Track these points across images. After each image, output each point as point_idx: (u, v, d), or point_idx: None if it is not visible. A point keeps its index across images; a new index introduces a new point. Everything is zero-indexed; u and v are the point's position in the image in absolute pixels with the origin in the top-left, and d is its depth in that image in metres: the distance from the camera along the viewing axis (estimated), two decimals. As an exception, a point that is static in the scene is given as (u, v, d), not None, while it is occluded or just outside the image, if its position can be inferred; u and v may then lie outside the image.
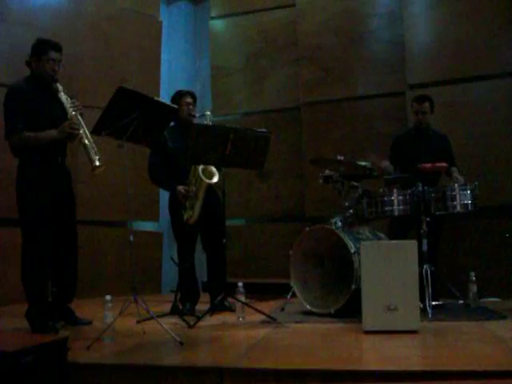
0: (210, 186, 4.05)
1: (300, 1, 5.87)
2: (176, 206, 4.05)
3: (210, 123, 3.92)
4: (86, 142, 3.38)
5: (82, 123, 3.43)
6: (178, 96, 4.22)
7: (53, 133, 3.38)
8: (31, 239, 3.42)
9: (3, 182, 4.68)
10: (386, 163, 4.35)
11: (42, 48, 3.43)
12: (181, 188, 3.96)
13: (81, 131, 3.40)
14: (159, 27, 6.15)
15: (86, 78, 5.35)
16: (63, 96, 3.47)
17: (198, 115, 4.06)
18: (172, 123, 3.96)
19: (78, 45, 5.30)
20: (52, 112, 3.46)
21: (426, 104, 4.34)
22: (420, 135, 4.40)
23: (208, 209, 4.00)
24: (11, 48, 4.94)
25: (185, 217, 3.96)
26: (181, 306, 4.04)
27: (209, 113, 4.01)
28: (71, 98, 3.51)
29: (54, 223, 3.51)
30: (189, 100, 4.20)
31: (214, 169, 3.88)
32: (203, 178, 3.85)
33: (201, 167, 3.87)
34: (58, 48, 3.48)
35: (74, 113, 3.42)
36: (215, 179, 3.88)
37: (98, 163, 3.37)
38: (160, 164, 4.12)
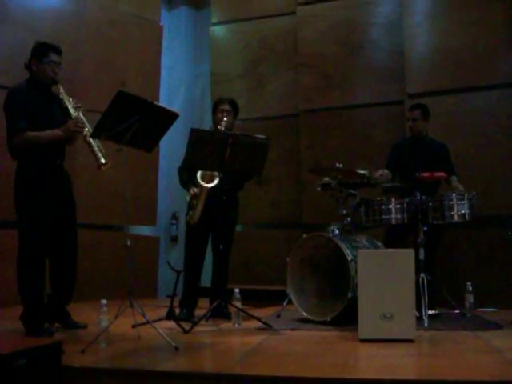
0: (236, 196, 4.21)
1: (301, 9, 5.89)
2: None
3: (224, 129, 3.93)
4: (91, 140, 3.40)
5: (86, 122, 3.46)
6: (216, 102, 4.30)
7: (57, 132, 3.40)
8: (28, 241, 3.41)
9: (2, 184, 4.67)
10: (379, 172, 4.30)
11: (43, 50, 3.44)
12: (191, 190, 4.02)
13: (85, 130, 3.43)
14: (160, 32, 6.16)
15: (86, 82, 5.35)
16: (65, 97, 3.50)
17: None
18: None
19: (79, 48, 5.30)
20: (52, 113, 3.48)
21: (417, 111, 4.36)
22: (417, 143, 4.42)
23: (222, 215, 3.99)
24: (11, 50, 4.93)
25: (187, 217, 4.01)
26: (178, 310, 4.05)
27: (226, 119, 4.03)
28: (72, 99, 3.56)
29: (54, 226, 3.51)
30: (225, 107, 4.20)
31: (215, 173, 3.89)
32: (200, 181, 3.90)
33: (200, 171, 3.91)
34: (58, 51, 3.50)
35: (77, 112, 3.47)
36: (213, 184, 3.89)
37: (103, 161, 3.40)
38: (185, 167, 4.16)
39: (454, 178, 4.25)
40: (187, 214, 4.06)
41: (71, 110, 3.48)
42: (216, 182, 3.89)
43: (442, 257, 4.46)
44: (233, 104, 4.26)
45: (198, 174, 3.90)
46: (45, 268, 3.52)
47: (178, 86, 6.60)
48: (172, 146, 5.79)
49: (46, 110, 3.46)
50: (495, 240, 4.77)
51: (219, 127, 3.97)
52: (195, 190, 3.97)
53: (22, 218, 3.42)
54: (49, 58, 3.43)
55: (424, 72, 5.27)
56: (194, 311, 4.15)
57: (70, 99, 3.52)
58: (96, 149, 3.41)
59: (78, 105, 3.52)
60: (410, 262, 3.19)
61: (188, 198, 4.05)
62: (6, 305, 4.44)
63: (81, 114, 3.46)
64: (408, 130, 4.52)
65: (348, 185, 4.15)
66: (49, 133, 3.39)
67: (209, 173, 3.90)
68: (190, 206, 4.02)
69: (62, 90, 3.51)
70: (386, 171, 4.37)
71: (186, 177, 4.17)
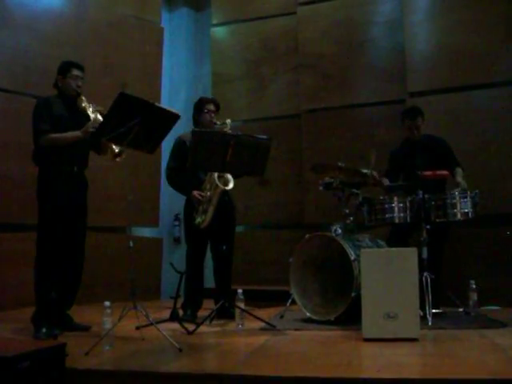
0: (229, 195, 4.19)
1: (301, 8, 5.90)
2: (190, 211, 4.09)
3: (230, 131, 3.92)
4: None
5: None
6: (201, 102, 4.28)
7: (77, 133, 3.55)
8: (46, 242, 3.50)
9: (3, 188, 4.69)
10: (375, 174, 4.22)
11: (66, 67, 3.71)
12: (195, 193, 4.01)
13: None
14: (160, 33, 6.17)
15: (88, 84, 5.32)
16: (86, 104, 3.66)
17: (218, 123, 4.08)
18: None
19: (80, 50, 5.30)
20: (78, 124, 3.57)
21: (419, 118, 4.29)
22: (416, 145, 4.35)
23: (221, 217, 4.02)
24: (13, 53, 4.96)
25: (196, 221, 4.01)
26: (182, 312, 4.05)
27: (229, 120, 4.04)
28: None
29: (65, 230, 3.60)
30: (211, 107, 4.22)
31: (229, 176, 3.91)
32: (219, 184, 3.88)
33: (216, 174, 3.90)
34: (80, 67, 3.75)
35: (95, 114, 3.59)
36: (230, 186, 3.90)
37: (117, 150, 3.50)
38: (178, 168, 4.15)
39: (458, 170, 4.16)
40: (193, 218, 4.04)
41: (90, 113, 3.61)
42: (232, 184, 3.90)
43: (445, 255, 4.45)
44: (217, 104, 4.29)
45: (215, 176, 3.90)
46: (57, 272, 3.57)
47: (179, 87, 6.60)
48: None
49: (72, 121, 3.61)
50: (499, 238, 4.77)
51: (225, 129, 3.95)
52: (203, 193, 3.97)
53: (42, 219, 3.55)
54: (71, 72, 3.69)
55: (425, 70, 5.27)
56: (198, 312, 4.15)
57: (91, 105, 3.66)
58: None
59: (97, 108, 3.64)
60: (414, 260, 3.18)
61: (194, 201, 4.03)
62: (9, 308, 4.46)
63: (99, 116, 3.57)
64: (408, 136, 4.42)
65: (350, 184, 4.15)
66: (70, 134, 3.56)
67: (224, 175, 3.90)
68: (198, 210, 4.01)
69: (83, 99, 3.68)
70: (384, 179, 4.33)
71: (180, 178, 4.16)
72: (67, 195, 3.57)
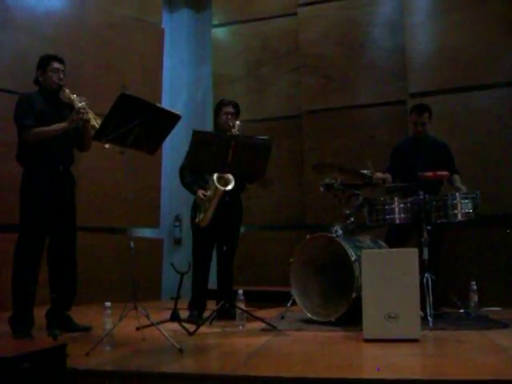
0: (239, 198, 4.23)
1: (302, 9, 5.90)
2: (195, 210, 4.12)
3: (238, 133, 3.89)
4: (95, 123, 3.44)
5: (88, 109, 3.51)
6: (219, 104, 4.31)
7: (63, 124, 3.51)
8: (24, 242, 3.48)
9: (4, 188, 4.69)
10: (380, 175, 4.27)
11: (45, 61, 3.63)
12: (200, 192, 4.01)
13: (90, 115, 3.48)
14: (161, 34, 6.18)
15: (88, 85, 5.35)
16: (70, 95, 3.58)
17: (231, 124, 4.08)
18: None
19: (80, 52, 5.32)
20: (60, 116, 3.56)
21: (426, 115, 4.33)
22: (419, 144, 4.39)
23: (226, 217, 4.01)
24: (14, 54, 4.97)
25: (196, 220, 4.02)
26: (186, 313, 4.06)
27: (238, 122, 4.03)
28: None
29: (53, 230, 3.58)
30: (229, 110, 4.22)
31: (230, 176, 3.89)
32: (217, 184, 3.88)
33: (216, 174, 3.89)
34: (59, 59, 3.66)
35: (80, 103, 3.52)
36: (229, 187, 3.88)
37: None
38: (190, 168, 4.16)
39: (456, 177, 4.23)
40: (196, 217, 4.04)
41: (75, 103, 3.53)
42: (232, 185, 3.88)
43: (446, 256, 4.45)
44: (236, 107, 4.28)
45: (215, 177, 3.89)
46: (38, 272, 3.54)
47: (180, 87, 6.61)
48: (175, 148, 5.80)
49: (55, 116, 3.56)
50: (500, 239, 4.76)
51: (233, 130, 3.91)
52: (207, 193, 3.97)
53: (22, 219, 3.52)
54: (51, 66, 3.60)
55: (426, 71, 5.27)
56: (204, 313, 4.15)
57: (75, 95, 3.59)
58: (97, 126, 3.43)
59: (83, 99, 3.58)
60: (415, 261, 3.18)
61: (198, 200, 4.04)
62: (10, 309, 4.45)
63: (84, 104, 3.51)
64: (412, 132, 4.48)
65: (351, 185, 4.15)
66: (55, 126, 3.50)
67: (225, 176, 3.90)
68: (200, 209, 4.02)
69: (67, 90, 3.61)
70: (387, 175, 4.35)
71: (190, 177, 4.18)
72: (52, 195, 3.53)
